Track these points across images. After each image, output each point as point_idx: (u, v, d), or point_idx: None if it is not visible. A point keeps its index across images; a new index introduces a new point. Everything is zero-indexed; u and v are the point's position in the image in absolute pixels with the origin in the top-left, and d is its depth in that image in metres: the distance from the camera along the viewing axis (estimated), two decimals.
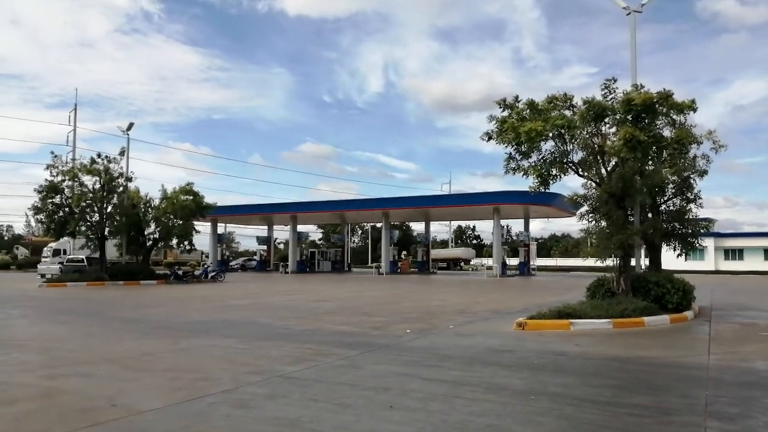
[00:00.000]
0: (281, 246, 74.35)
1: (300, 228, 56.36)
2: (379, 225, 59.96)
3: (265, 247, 59.62)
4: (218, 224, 56.14)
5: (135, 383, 6.56)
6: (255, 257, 63.15)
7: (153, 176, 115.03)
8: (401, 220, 72.03)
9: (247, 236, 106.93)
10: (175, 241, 34.49)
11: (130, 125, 34.21)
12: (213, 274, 34.66)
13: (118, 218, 31.16)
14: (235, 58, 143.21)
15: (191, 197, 32.79)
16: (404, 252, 61.71)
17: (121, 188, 31.69)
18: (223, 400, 5.70)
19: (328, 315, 14.24)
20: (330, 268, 55.90)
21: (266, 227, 60.70)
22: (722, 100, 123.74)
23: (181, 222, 32.27)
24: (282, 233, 68.10)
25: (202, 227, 48.49)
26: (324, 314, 14.44)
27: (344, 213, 53.67)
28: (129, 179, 32.18)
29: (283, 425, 4.89)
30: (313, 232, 77.88)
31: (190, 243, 35.12)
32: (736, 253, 69.42)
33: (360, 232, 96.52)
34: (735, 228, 76.19)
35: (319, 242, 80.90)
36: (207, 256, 56.95)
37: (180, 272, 33.26)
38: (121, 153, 32.24)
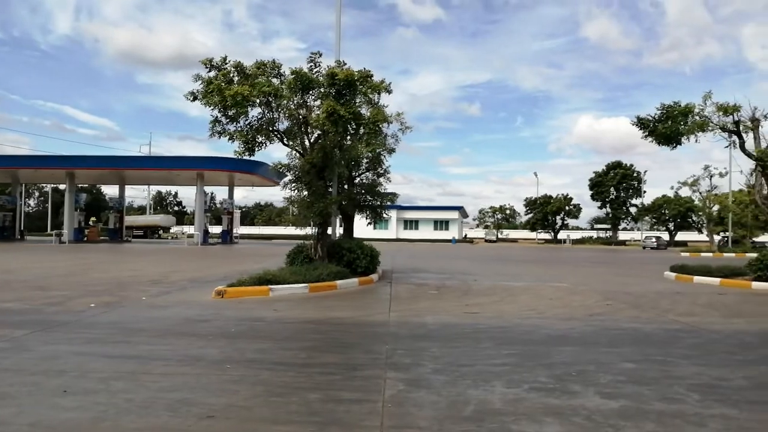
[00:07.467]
0: None
1: None
2: (62, 187, 52.78)
3: None
4: None
5: None
6: None
7: None
8: (91, 182, 64.99)
9: None
10: None
11: None
12: None
13: None
14: None
15: None
16: (93, 218, 55.59)
17: None
18: None
19: None
20: None
21: None
22: (402, 89, 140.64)
23: None
24: None
25: None
26: None
27: (17, 170, 45.67)
28: None
29: None
30: None
31: None
32: (413, 224, 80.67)
33: (38, 194, 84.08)
34: (410, 202, 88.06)
35: None
36: None
37: None
38: None
